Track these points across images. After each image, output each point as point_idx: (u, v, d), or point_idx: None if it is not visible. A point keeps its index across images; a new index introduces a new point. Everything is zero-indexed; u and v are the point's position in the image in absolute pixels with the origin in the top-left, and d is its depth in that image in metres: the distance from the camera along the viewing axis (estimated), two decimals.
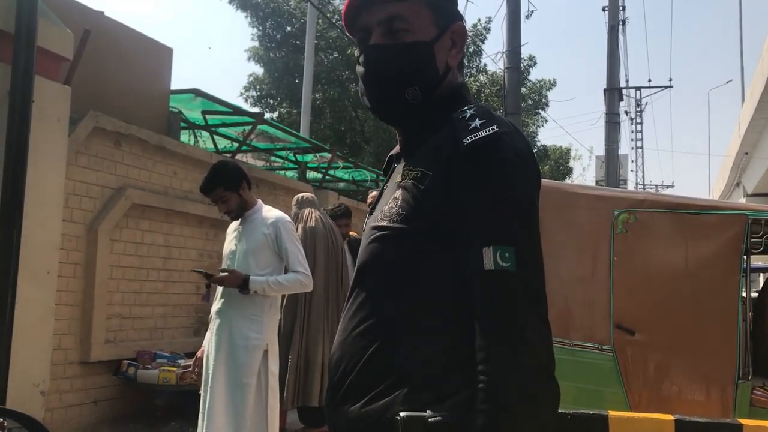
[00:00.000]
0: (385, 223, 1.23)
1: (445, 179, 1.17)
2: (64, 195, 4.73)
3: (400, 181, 1.25)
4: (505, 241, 1.12)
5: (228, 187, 3.74)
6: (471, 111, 1.21)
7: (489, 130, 1.16)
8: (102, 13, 6.53)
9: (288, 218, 3.95)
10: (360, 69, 1.34)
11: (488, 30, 21.00)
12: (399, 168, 1.32)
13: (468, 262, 1.14)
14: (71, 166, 5.13)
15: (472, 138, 1.15)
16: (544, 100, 23.48)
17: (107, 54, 6.27)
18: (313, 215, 5.41)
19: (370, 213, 1.40)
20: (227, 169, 3.83)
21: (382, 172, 1.54)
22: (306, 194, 5.72)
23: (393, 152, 1.44)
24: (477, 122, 1.18)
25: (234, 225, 4.00)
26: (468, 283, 1.14)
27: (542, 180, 4.36)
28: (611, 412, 3.01)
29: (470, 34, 20.54)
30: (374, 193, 1.50)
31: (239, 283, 3.68)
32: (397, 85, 1.29)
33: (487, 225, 1.13)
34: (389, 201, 1.25)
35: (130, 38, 6.87)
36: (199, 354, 4.04)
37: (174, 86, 7.58)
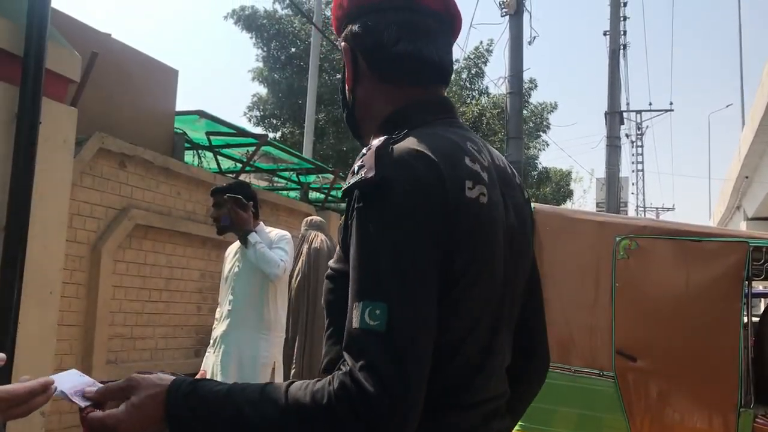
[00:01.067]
0: (330, 262, 1.23)
1: (347, 223, 1.12)
2: (68, 215, 4.75)
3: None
4: (375, 297, 1.00)
5: (233, 194, 3.90)
6: (362, 154, 1.11)
7: (360, 178, 1.06)
8: (109, 35, 6.60)
9: (288, 235, 4.04)
10: None
11: (490, 52, 21.14)
12: None
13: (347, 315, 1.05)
14: (76, 186, 5.16)
15: (349, 184, 1.08)
16: (545, 123, 23.59)
17: (114, 76, 6.33)
18: (319, 237, 5.48)
19: None
20: (244, 185, 4.19)
21: None
22: (315, 217, 5.83)
23: None
24: (356, 167, 1.09)
25: (234, 247, 4.09)
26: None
27: (543, 206, 4.37)
28: None
29: (472, 56, 20.72)
30: None
31: (246, 229, 3.92)
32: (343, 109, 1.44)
33: (358, 280, 1.03)
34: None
35: (137, 60, 6.94)
36: (198, 376, 4.05)
37: (179, 107, 7.64)
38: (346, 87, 1.34)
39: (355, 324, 1.00)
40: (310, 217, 5.78)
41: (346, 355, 1.00)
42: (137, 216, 5.87)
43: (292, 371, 5.10)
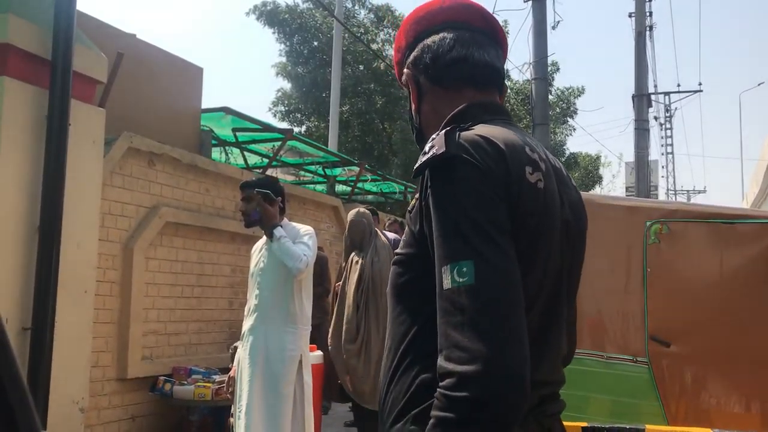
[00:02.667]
0: (397, 253, 1.31)
1: (423, 206, 1.21)
2: (99, 215, 4.82)
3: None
4: (461, 256, 1.10)
5: (262, 188, 3.94)
6: (435, 134, 1.23)
7: (431, 155, 1.18)
8: (134, 35, 6.67)
9: (312, 230, 4.09)
10: None
11: (507, 33, 20.93)
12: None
13: (435, 281, 1.14)
14: (106, 186, 5.24)
15: (418, 164, 1.20)
16: (572, 108, 23.34)
17: (139, 75, 6.40)
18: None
19: None
20: (273, 181, 4.28)
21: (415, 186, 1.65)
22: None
23: None
24: (427, 147, 1.21)
25: (260, 243, 4.14)
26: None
27: None
28: (648, 426, 2.99)
29: None
30: None
31: (273, 224, 3.97)
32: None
33: (443, 244, 1.13)
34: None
35: (162, 59, 7.00)
36: (231, 374, 4.12)
37: (204, 105, 7.70)
38: (413, 108, 1.47)
39: (446, 285, 1.09)
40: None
41: (440, 319, 1.10)
42: (167, 214, 5.94)
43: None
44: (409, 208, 1.30)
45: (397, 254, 1.29)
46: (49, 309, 4.01)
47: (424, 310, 1.19)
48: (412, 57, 1.47)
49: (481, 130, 1.22)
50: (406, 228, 1.29)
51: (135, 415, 5.68)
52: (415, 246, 1.24)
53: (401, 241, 1.30)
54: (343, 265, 5.61)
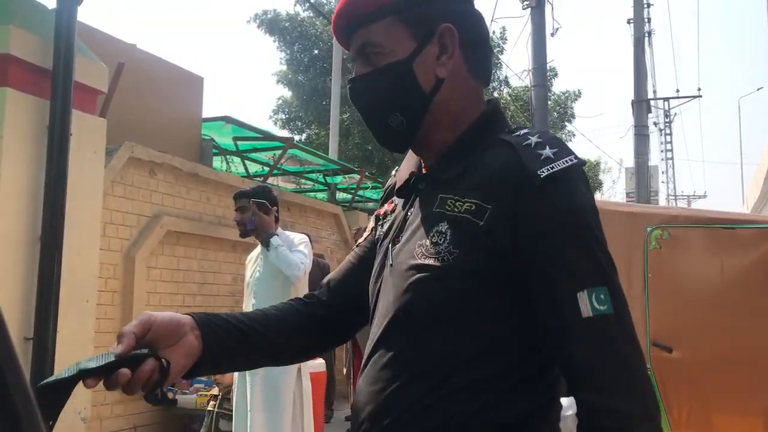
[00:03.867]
0: (432, 262, 1.08)
1: (511, 215, 1.05)
2: (101, 224, 4.83)
3: (444, 212, 1.11)
4: (597, 282, 1.01)
5: (258, 198, 3.95)
6: (536, 138, 1.09)
7: (566, 162, 1.05)
8: (134, 45, 6.69)
9: (306, 238, 4.11)
10: None
11: (505, 40, 20.94)
12: (428, 195, 1.17)
13: (553, 310, 1.03)
14: (108, 195, 5.25)
15: (548, 170, 1.04)
16: (569, 112, 23.32)
17: (140, 85, 6.42)
18: None
19: (386, 241, 1.25)
20: (266, 190, 4.24)
21: (387, 193, 1.41)
22: None
23: (408, 170, 1.27)
24: (548, 151, 1.06)
25: (254, 253, 4.16)
26: (551, 331, 1.04)
27: None
28: None
29: None
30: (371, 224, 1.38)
31: (269, 231, 3.98)
32: (380, 115, 1.20)
33: (577, 267, 1.02)
34: (431, 234, 1.11)
35: (162, 69, 7.03)
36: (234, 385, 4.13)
37: (205, 114, 7.72)
38: (430, 76, 1.17)
39: (585, 313, 0.99)
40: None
41: (579, 350, 1.01)
42: (168, 222, 5.95)
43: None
44: (446, 212, 1.11)
45: (434, 268, 1.08)
46: (51, 318, 4.01)
47: (485, 332, 1.08)
48: (452, 9, 1.19)
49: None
50: (443, 236, 1.09)
51: (137, 424, 5.67)
52: (487, 261, 1.06)
53: (430, 253, 1.10)
54: None
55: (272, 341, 1.26)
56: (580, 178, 1.07)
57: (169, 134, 6.76)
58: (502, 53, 21.29)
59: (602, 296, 1.00)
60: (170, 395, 5.66)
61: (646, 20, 17.28)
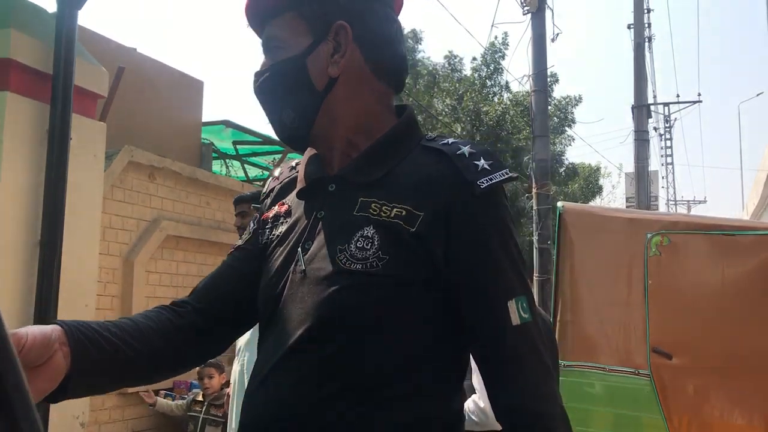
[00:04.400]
0: (358, 267, 1.03)
1: (444, 223, 1.04)
2: (100, 228, 4.82)
3: (369, 216, 1.06)
4: (521, 291, 1.06)
5: (255, 203, 3.94)
6: (468, 148, 1.10)
7: (502, 175, 1.07)
8: (135, 49, 6.70)
9: None
10: None
11: (506, 45, 20.97)
12: (343, 198, 1.12)
13: (484, 318, 1.05)
14: (107, 200, 5.25)
15: (487, 182, 1.05)
16: (570, 117, 23.34)
17: (140, 89, 6.42)
18: None
19: (287, 246, 1.17)
20: None
21: (274, 195, 1.33)
22: None
23: (314, 171, 1.21)
24: (484, 163, 1.07)
25: None
26: (482, 340, 1.06)
27: (572, 204, 4.32)
28: None
29: (488, 52, 20.54)
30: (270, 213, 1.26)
31: None
32: (274, 110, 1.18)
33: (506, 277, 1.06)
34: (355, 239, 1.05)
35: (162, 73, 7.03)
36: (228, 391, 4.11)
37: (205, 118, 7.73)
38: (323, 74, 1.14)
39: (515, 321, 1.04)
40: None
41: (508, 357, 1.05)
42: (168, 227, 5.94)
43: None
44: (373, 216, 1.06)
45: (360, 274, 1.03)
46: (50, 323, 4.00)
47: (416, 340, 1.05)
48: (354, 7, 1.16)
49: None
50: (370, 241, 1.05)
51: (135, 429, 5.66)
52: (418, 269, 1.04)
53: (357, 259, 1.04)
54: None
55: (149, 355, 1.13)
56: (505, 193, 1.12)
57: (168, 138, 6.76)
58: (503, 58, 21.33)
59: (524, 305, 1.05)
60: (169, 399, 5.64)
61: (646, 25, 17.30)
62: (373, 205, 1.07)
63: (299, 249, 1.13)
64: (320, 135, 1.17)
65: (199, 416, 4.97)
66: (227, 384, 5.04)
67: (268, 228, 1.25)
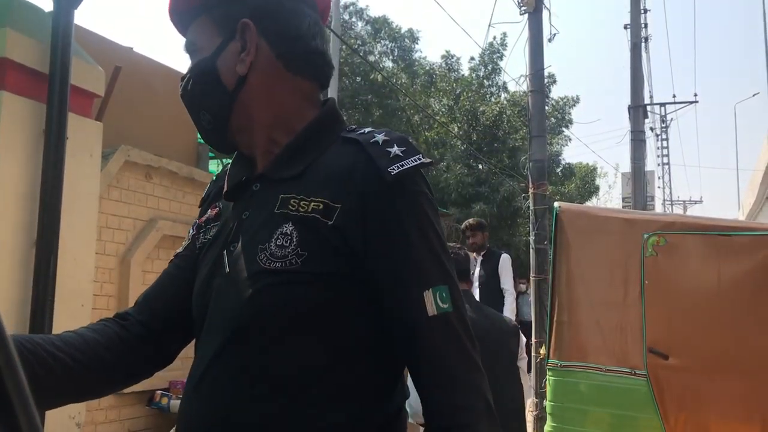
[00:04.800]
0: (278, 266, 1.02)
1: (360, 213, 1.02)
2: (97, 228, 4.81)
3: (288, 212, 1.05)
4: (440, 281, 1.03)
5: None
6: (383, 136, 1.08)
7: (415, 160, 1.05)
8: (131, 49, 6.68)
9: None
10: None
11: (504, 46, 21.00)
12: (266, 196, 1.12)
13: (401, 309, 1.02)
14: (104, 199, 5.24)
15: (398, 168, 1.03)
16: (567, 117, 23.38)
17: (137, 89, 6.41)
18: None
19: (214, 249, 1.19)
20: None
21: (209, 200, 1.37)
22: None
23: (239, 172, 1.22)
24: (396, 149, 1.05)
25: None
26: (399, 331, 1.03)
27: (569, 204, 4.32)
28: None
29: (487, 52, 20.56)
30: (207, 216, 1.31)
31: None
32: (193, 113, 1.21)
33: (423, 266, 1.03)
34: (275, 237, 1.04)
35: (159, 72, 7.02)
36: None
37: None
38: (232, 74, 1.15)
39: (431, 312, 1.01)
40: None
41: (426, 349, 1.01)
42: (164, 227, 5.93)
43: None
44: (290, 212, 1.05)
45: (281, 272, 1.01)
46: (46, 323, 3.99)
47: (342, 337, 1.03)
48: (260, 7, 1.16)
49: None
50: (288, 238, 1.03)
51: (132, 429, 5.64)
52: (339, 262, 1.02)
53: (277, 257, 1.03)
54: None
55: (98, 368, 1.12)
56: (424, 178, 1.09)
57: (165, 138, 6.74)
58: (501, 59, 21.36)
59: (444, 294, 1.02)
60: (165, 400, 5.63)
61: (643, 26, 17.32)
62: (292, 200, 1.06)
63: (224, 252, 1.13)
64: (240, 135, 1.19)
65: None
66: None
67: (202, 232, 1.27)
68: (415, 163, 1.05)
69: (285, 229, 1.04)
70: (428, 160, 1.08)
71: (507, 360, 3.60)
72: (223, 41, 1.15)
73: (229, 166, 1.27)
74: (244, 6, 1.16)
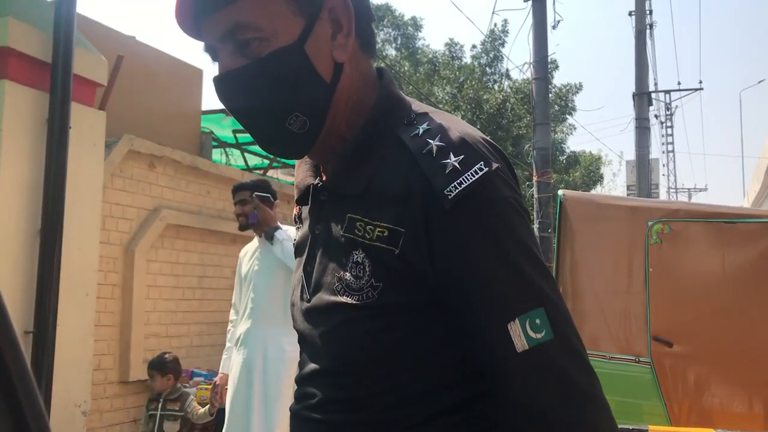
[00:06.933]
0: (355, 301, 0.93)
1: (425, 241, 0.89)
2: (101, 217, 4.82)
3: (356, 238, 0.94)
4: (529, 306, 0.86)
5: (260, 191, 3.91)
6: (437, 141, 0.91)
7: (476, 172, 0.88)
8: (134, 37, 6.67)
9: None
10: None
11: (506, 33, 20.89)
12: (334, 211, 1.00)
13: (484, 348, 0.89)
14: (107, 189, 5.24)
15: (456, 189, 0.87)
16: (570, 105, 23.27)
17: (140, 78, 6.40)
18: None
19: (297, 252, 1.12)
20: (265, 183, 4.18)
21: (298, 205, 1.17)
22: None
23: (307, 180, 1.08)
24: (453, 160, 0.88)
25: (250, 247, 4.12)
26: (488, 368, 0.90)
27: (574, 192, 4.31)
28: (651, 426, 2.98)
29: (488, 39, 20.46)
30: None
31: (272, 225, 3.92)
32: (273, 118, 0.96)
33: (503, 295, 0.87)
34: (349, 266, 0.94)
35: (161, 61, 7.00)
36: (218, 381, 4.09)
37: (205, 106, 7.71)
38: (328, 61, 0.97)
39: (521, 346, 0.85)
40: None
41: (521, 386, 0.87)
42: (168, 216, 5.94)
43: None
44: (357, 237, 0.94)
45: (356, 307, 0.93)
46: (51, 312, 4.00)
47: (428, 372, 0.94)
48: None
49: (468, 129, 0.96)
50: (361, 267, 0.94)
51: (137, 417, 5.67)
52: (411, 292, 0.91)
53: (351, 288, 0.94)
54: None
55: None
56: (496, 184, 0.89)
57: (168, 127, 6.74)
58: (503, 46, 21.25)
59: (538, 321, 0.86)
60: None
61: (647, 12, 17.21)
62: (359, 224, 0.94)
63: (303, 274, 1.05)
64: (324, 135, 1.01)
65: (156, 413, 4.94)
66: (176, 379, 5.05)
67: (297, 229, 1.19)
68: (477, 175, 0.87)
69: (356, 257, 0.93)
70: (495, 167, 0.90)
71: None
72: (308, 23, 0.94)
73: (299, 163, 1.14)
74: None
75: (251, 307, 3.94)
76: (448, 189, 0.87)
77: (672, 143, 32.73)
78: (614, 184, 34.44)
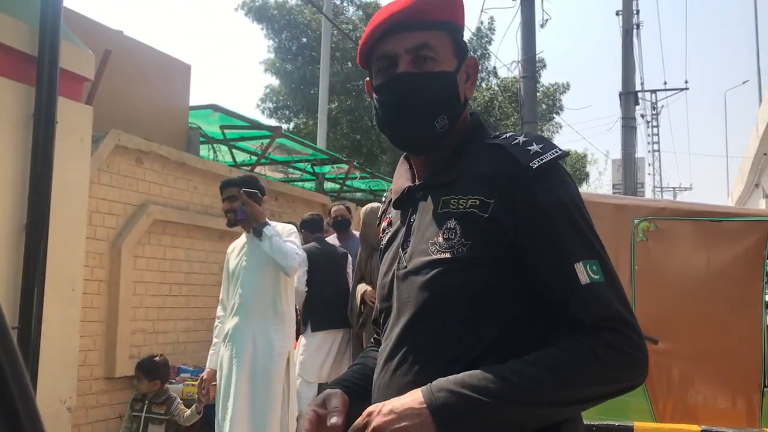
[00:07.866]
0: (448, 255, 1.21)
1: (511, 205, 1.19)
2: (87, 213, 4.79)
3: (450, 210, 1.24)
4: (590, 255, 1.16)
5: (248, 187, 3.90)
6: (522, 137, 1.25)
7: (552, 154, 1.21)
8: (121, 32, 6.62)
9: (295, 228, 4.09)
10: (384, 98, 1.32)
11: (492, 30, 20.92)
12: (429, 200, 1.30)
13: (557, 280, 1.16)
14: (94, 184, 5.20)
15: (538, 162, 1.19)
16: (558, 104, 23.36)
17: (127, 73, 6.36)
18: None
19: (391, 251, 1.39)
20: (253, 179, 4.19)
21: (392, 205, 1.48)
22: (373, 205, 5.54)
23: (404, 184, 1.41)
24: (536, 147, 1.22)
25: (238, 243, 4.11)
26: (554, 301, 1.17)
27: None
28: (637, 423, 3.01)
29: (474, 36, 20.50)
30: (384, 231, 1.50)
31: (261, 221, 3.89)
32: (429, 114, 1.29)
33: (572, 243, 1.17)
34: (442, 232, 1.23)
35: (149, 56, 6.96)
36: (205, 376, 4.08)
37: (192, 102, 7.66)
38: (462, 93, 1.35)
39: (584, 280, 1.14)
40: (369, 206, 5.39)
41: (582, 308, 1.13)
42: (155, 212, 5.91)
43: None
44: (452, 210, 1.24)
45: (450, 261, 1.21)
46: (36, 307, 3.98)
47: (506, 314, 1.20)
48: (461, 32, 1.38)
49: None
50: (453, 231, 1.22)
51: (123, 414, 5.65)
52: (497, 249, 1.19)
53: (444, 248, 1.22)
54: (363, 266, 5.28)
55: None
56: (564, 169, 1.26)
57: (155, 122, 6.70)
58: (490, 44, 21.28)
59: (594, 267, 1.15)
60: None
61: (634, 12, 17.31)
62: (452, 200, 1.24)
63: (400, 250, 1.32)
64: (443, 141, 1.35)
65: (141, 415, 4.90)
66: (163, 383, 5.00)
67: (382, 244, 1.48)
68: (553, 156, 1.21)
69: (449, 224, 1.23)
70: (565, 152, 1.25)
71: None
72: (459, 64, 1.33)
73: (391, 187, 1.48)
74: (464, 43, 1.37)
75: (239, 303, 3.94)
76: (531, 162, 1.19)
77: (658, 142, 32.97)
78: (600, 183, 34.66)
